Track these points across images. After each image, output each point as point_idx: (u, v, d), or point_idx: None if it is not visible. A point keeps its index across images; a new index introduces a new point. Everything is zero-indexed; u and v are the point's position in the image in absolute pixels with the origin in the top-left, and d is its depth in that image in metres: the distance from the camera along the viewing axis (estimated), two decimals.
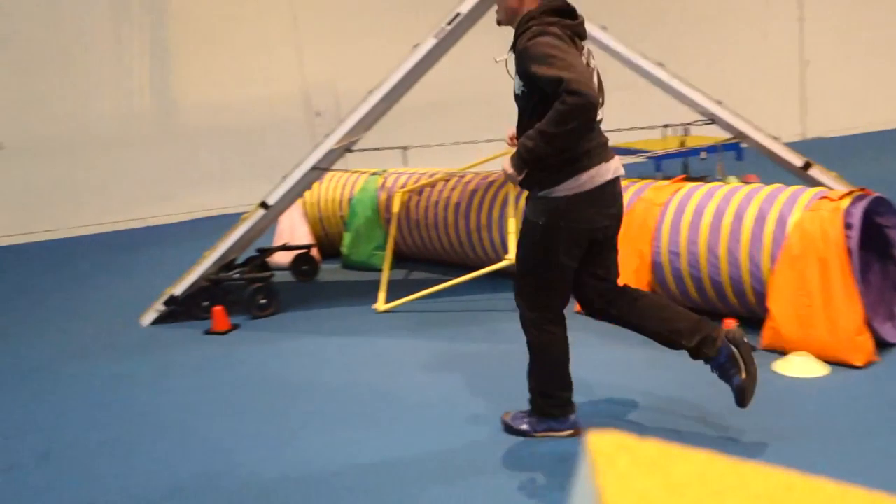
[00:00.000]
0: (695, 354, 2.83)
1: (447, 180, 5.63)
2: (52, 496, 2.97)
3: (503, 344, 4.15)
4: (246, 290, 4.99)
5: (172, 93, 8.82)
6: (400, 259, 6.03)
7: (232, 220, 5.26)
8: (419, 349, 4.22)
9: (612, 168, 2.81)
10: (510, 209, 4.99)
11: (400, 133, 6.59)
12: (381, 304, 4.97)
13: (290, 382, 3.88)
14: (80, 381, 4.17)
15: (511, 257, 4.75)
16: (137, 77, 8.65)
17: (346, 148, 5.37)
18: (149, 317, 5.02)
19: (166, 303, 4.98)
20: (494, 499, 2.67)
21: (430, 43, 4.56)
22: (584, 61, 2.73)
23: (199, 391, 3.88)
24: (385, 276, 5.22)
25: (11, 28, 8.10)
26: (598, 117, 2.72)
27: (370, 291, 5.16)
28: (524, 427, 3.07)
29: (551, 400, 2.99)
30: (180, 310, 5.00)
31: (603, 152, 2.80)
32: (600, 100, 2.71)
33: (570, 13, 2.77)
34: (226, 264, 5.34)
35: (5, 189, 8.22)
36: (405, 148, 6.42)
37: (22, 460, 3.27)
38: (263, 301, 5.00)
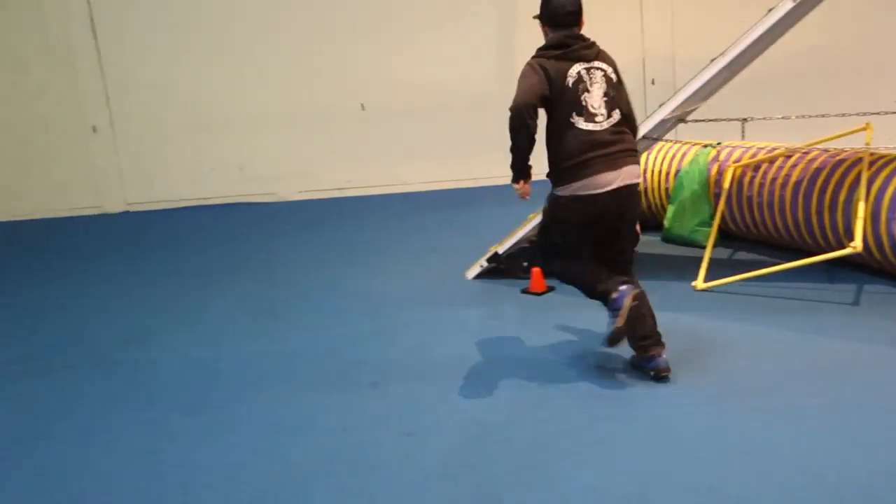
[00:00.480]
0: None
1: (788, 156, 5.17)
2: (382, 418, 3.38)
3: (831, 340, 3.76)
4: None
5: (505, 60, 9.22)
6: (725, 237, 5.72)
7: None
8: (735, 333, 3.99)
9: (611, 180, 3.34)
10: (861, 191, 4.45)
11: (738, 105, 6.18)
12: (700, 282, 4.77)
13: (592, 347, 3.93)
14: (415, 322, 4.64)
15: (857, 245, 4.25)
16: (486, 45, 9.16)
17: (679, 118, 5.20)
18: (473, 271, 5.40)
19: (489, 259, 5.31)
20: None
21: (787, 6, 4.19)
22: (572, 75, 3.39)
23: (524, 340, 4.11)
24: (708, 254, 5.00)
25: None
26: (593, 127, 3.37)
27: (689, 268, 4.98)
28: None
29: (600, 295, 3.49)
30: (502, 267, 5.30)
31: (601, 166, 3.33)
32: (592, 104, 3.39)
33: (556, 46, 3.45)
34: None
35: (366, 145, 9.34)
36: (744, 120, 6.02)
37: (356, 385, 3.77)
38: None
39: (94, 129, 9.44)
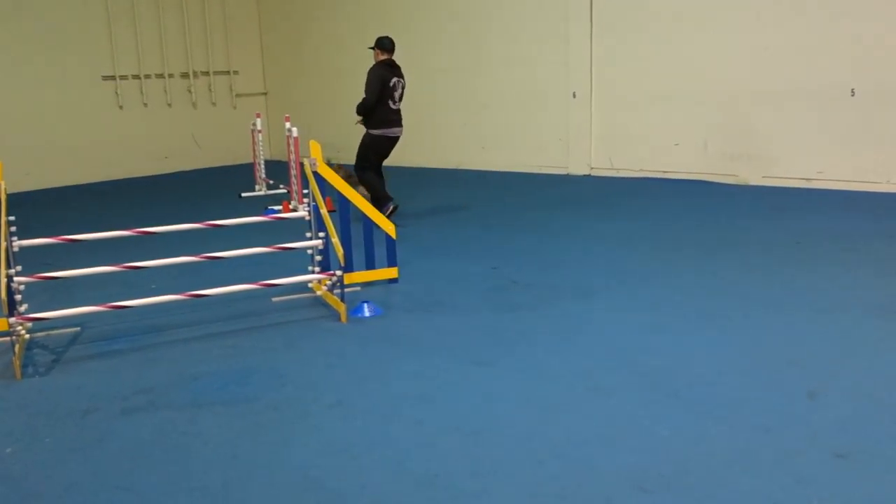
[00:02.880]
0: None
1: None
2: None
3: None
4: None
5: None
6: None
7: None
8: None
9: (398, 131, 7.70)
10: None
11: None
12: None
13: None
14: None
15: None
16: None
17: None
18: None
19: None
20: None
21: None
22: (391, 83, 7.56)
23: None
24: None
25: None
26: (395, 107, 7.64)
27: None
28: None
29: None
30: None
31: (391, 122, 7.63)
32: (396, 97, 7.63)
33: (389, 63, 7.64)
34: None
35: (846, 133, 8.50)
36: None
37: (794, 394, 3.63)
38: None
39: (574, 96, 10.30)
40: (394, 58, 7.63)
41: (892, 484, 2.78)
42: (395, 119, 7.59)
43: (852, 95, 8.38)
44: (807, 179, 8.76)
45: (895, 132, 8.21)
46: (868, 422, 3.24)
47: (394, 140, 7.69)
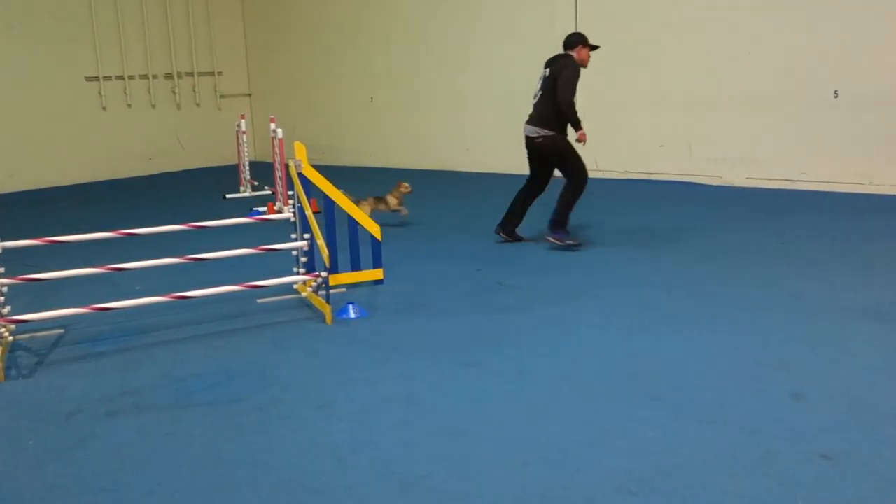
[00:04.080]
0: None
1: None
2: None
3: None
4: None
5: None
6: None
7: None
8: None
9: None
10: None
11: None
12: None
13: None
14: None
15: None
16: None
17: None
18: None
19: None
20: None
21: None
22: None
23: None
24: None
25: None
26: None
27: None
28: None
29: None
30: None
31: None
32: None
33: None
34: None
35: (830, 136, 8.59)
36: None
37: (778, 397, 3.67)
38: None
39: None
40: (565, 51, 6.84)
41: (876, 484, 2.80)
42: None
43: (835, 98, 8.47)
44: (790, 181, 8.84)
45: (877, 134, 8.30)
46: (852, 423, 3.27)
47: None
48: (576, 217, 6.73)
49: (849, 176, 8.47)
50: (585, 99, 10.11)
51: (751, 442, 3.14)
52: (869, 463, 2.95)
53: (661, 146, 9.70)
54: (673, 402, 3.53)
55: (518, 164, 10.85)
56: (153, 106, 12.65)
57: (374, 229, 5.62)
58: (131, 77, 12.32)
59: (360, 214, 5.65)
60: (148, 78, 12.51)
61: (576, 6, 10.06)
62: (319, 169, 5.46)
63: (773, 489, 2.79)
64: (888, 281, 5.24)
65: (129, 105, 12.36)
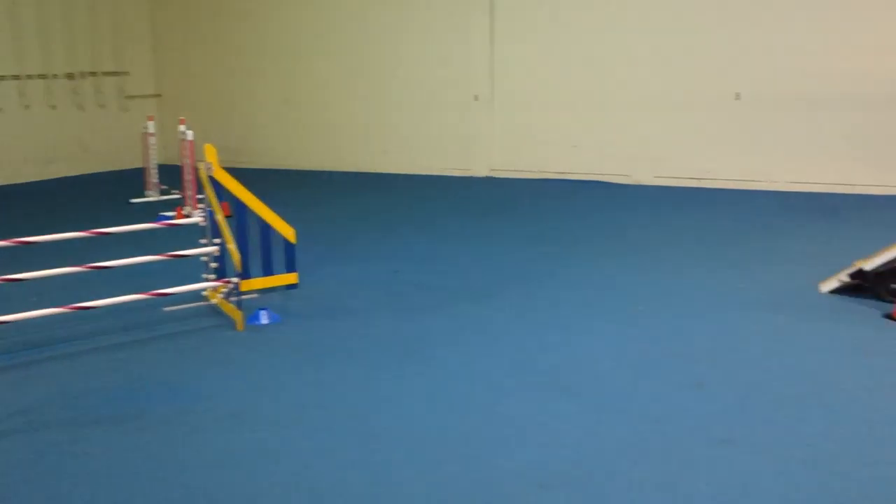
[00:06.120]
0: None
1: None
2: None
3: None
4: None
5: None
6: None
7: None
8: None
9: None
10: None
11: None
12: None
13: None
14: (757, 330, 4.48)
15: None
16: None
17: None
18: (830, 284, 4.99)
19: (853, 275, 4.86)
20: None
21: None
22: None
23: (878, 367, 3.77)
24: None
25: None
26: None
27: None
28: None
29: None
30: (866, 286, 4.82)
31: None
32: None
33: None
34: None
35: (732, 136, 8.95)
36: None
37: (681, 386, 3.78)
38: None
39: (476, 98, 10.40)
40: None
41: (773, 466, 2.92)
42: None
43: (737, 99, 8.83)
44: (696, 179, 9.17)
45: (776, 134, 8.70)
46: (750, 409, 3.41)
47: None
48: (486, 218, 6.79)
49: (749, 174, 8.85)
50: (499, 99, 10.28)
51: (656, 429, 3.23)
52: (765, 446, 3.07)
53: (574, 146, 9.90)
54: (583, 395, 3.59)
55: (435, 165, 10.94)
56: (53, 107, 12.07)
57: (288, 233, 5.52)
58: (29, 77, 11.72)
59: (274, 218, 5.54)
60: (47, 77, 11.93)
61: (491, 11, 10.14)
62: (232, 172, 5.31)
63: (677, 473, 2.88)
64: (784, 273, 5.49)
65: (27, 106, 11.77)
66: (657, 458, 3.01)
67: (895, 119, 8.19)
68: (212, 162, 5.11)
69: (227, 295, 4.97)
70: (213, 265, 5.11)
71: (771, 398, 3.51)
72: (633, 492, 2.79)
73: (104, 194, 10.25)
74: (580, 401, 3.54)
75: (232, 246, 4.75)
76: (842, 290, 4.94)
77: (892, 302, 4.56)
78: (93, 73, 12.50)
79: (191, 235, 5.41)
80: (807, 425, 3.25)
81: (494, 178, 10.34)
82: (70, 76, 12.24)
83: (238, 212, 5.41)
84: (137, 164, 10.97)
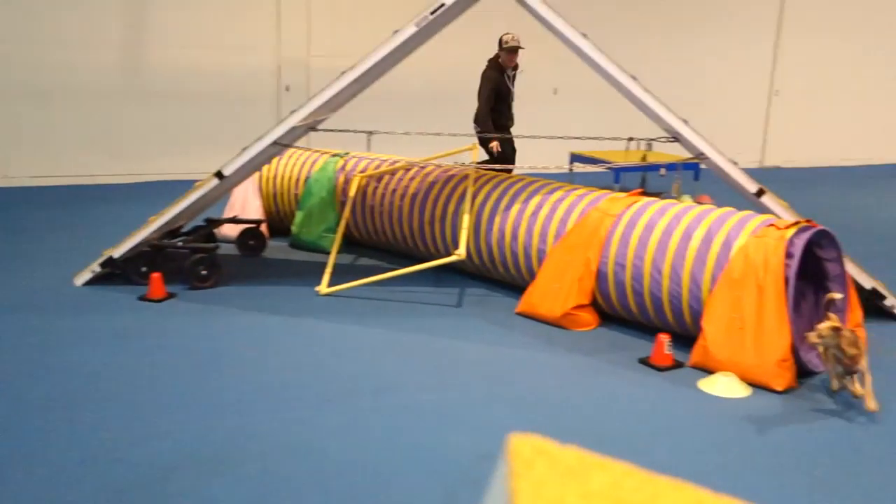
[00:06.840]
0: None
1: (408, 169, 5.57)
2: None
3: (435, 337, 4.13)
4: (188, 259, 4.87)
5: (142, 50, 8.59)
6: (350, 244, 5.96)
7: (186, 186, 5.13)
8: (352, 335, 4.17)
9: None
10: (466, 205, 4.95)
11: (366, 118, 6.52)
12: (323, 287, 4.90)
13: (215, 356, 3.79)
14: (17, 332, 4.03)
15: (461, 253, 4.72)
16: (107, 30, 8.39)
17: (310, 126, 5.28)
18: (83, 277, 4.87)
19: (103, 264, 4.83)
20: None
21: (410, 30, 4.48)
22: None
23: (115, 358, 3.77)
24: (332, 259, 5.15)
25: None
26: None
27: (315, 273, 5.09)
28: None
29: None
30: (118, 273, 4.87)
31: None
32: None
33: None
34: (171, 231, 5.21)
35: None
36: (370, 133, 6.33)
37: None
38: (204, 272, 4.88)
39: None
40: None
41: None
42: None
43: None
44: None
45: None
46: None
47: None
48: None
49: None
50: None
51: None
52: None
53: None
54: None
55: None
56: None
57: None
58: None
59: None
60: None
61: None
62: None
63: None
64: (36, 272, 5.13)
65: None
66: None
67: (125, 110, 8.54)
68: None
69: None
70: None
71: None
72: None
73: None
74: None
75: None
76: (96, 281, 4.87)
77: (144, 284, 4.71)
78: None
79: None
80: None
81: None
82: None
83: None
84: None
